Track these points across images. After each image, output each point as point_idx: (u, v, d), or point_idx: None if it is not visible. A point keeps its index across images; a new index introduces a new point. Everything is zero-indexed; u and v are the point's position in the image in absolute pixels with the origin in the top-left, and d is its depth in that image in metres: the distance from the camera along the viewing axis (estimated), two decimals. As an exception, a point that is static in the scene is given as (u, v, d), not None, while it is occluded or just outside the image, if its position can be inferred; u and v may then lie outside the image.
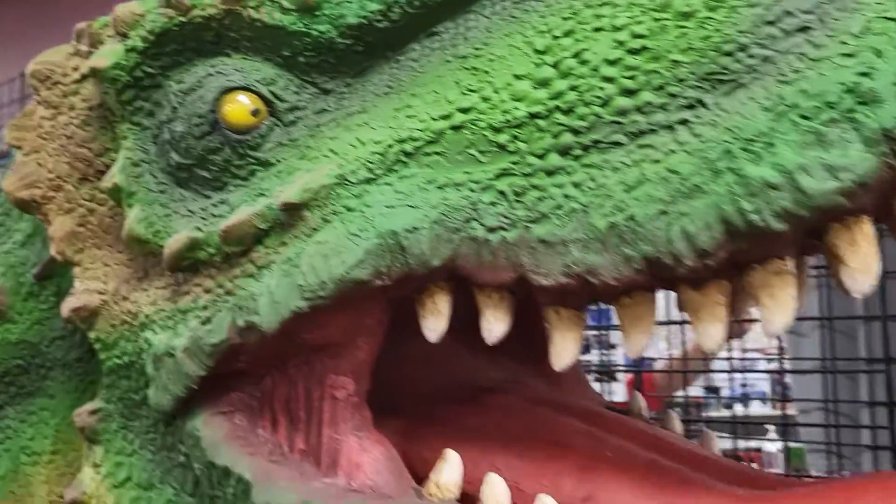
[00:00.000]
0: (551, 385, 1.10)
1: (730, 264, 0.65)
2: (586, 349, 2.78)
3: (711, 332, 0.68)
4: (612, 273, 0.67)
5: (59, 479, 1.07)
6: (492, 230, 0.72)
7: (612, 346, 2.42)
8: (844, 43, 0.62)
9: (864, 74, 0.60)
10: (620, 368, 2.40)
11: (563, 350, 0.74)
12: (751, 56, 0.65)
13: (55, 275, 1.07)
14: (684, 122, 0.67)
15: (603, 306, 0.85)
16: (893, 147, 0.59)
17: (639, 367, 2.28)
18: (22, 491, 1.11)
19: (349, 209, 0.78)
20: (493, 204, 0.73)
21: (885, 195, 0.61)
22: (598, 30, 0.73)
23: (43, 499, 1.09)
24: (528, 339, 1.09)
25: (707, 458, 0.87)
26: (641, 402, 1.07)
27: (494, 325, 0.76)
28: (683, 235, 0.64)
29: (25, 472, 1.10)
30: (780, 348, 2.17)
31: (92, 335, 0.96)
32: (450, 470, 0.79)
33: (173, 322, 0.87)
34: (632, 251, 0.66)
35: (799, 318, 2.26)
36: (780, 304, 0.65)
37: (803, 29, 0.64)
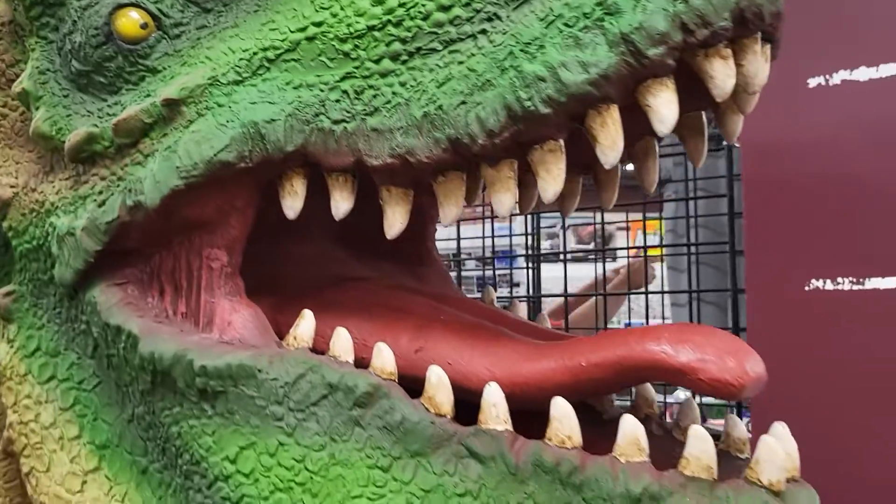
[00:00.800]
0: (419, 281, 1.26)
1: (515, 145, 0.82)
2: (494, 286, 3.00)
3: (503, 199, 0.85)
4: (425, 153, 0.84)
5: None
6: (336, 122, 0.88)
7: (517, 285, 2.63)
8: None
9: None
10: (522, 297, 2.61)
11: (394, 221, 0.91)
12: None
13: None
14: (484, 31, 0.83)
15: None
16: (630, 48, 0.76)
17: (538, 294, 2.49)
18: None
19: (219, 105, 0.93)
20: (337, 101, 0.89)
21: (626, 86, 0.78)
22: None
23: None
24: (408, 245, 1.27)
25: (526, 323, 1.05)
26: (492, 294, 1.24)
27: (340, 203, 0.92)
28: (477, 120, 0.81)
29: None
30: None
31: (5, 224, 1.10)
32: (304, 325, 0.96)
33: (74, 207, 1.02)
34: (440, 134, 0.83)
35: (676, 254, 2.48)
36: (552, 176, 0.82)
37: None
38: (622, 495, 0.79)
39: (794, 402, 1.60)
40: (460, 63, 0.83)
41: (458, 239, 2.62)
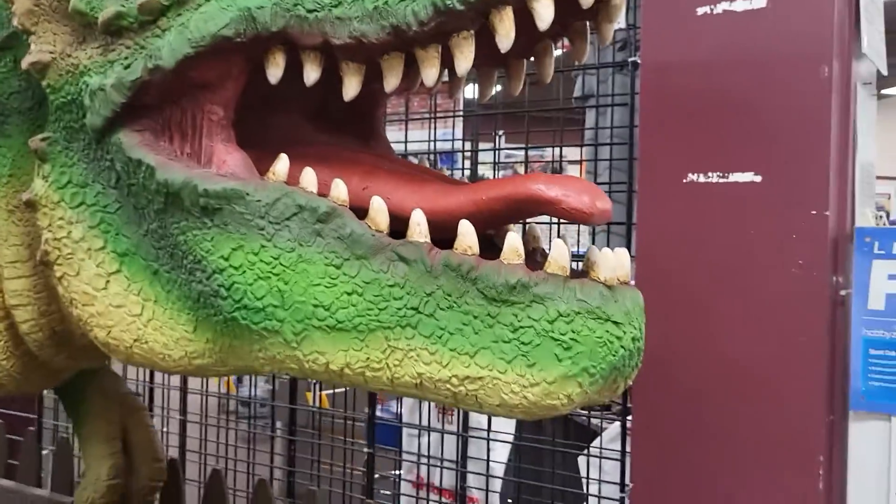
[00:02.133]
0: (369, 149, 1.59)
1: (440, 33, 1.14)
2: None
3: (430, 73, 1.18)
4: (374, 35, 1.16)
5: (14, 194, 1.52)
6: (309, 11, 1.19)
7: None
8: None
9: None
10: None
11: (349, 87, 1.23)
12: None
13: (11, 47, 1.49)
14: None
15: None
16: None
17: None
18: None
19: None
20: None
21: (519, -5, 1.11)
22: None
23: (2, 209, 1.53)
24: (361, 126, 1.59)
25: (447, 177, 1.39)
26: (426, 162, 1.58)
27: (311, 72, 1.24)
28: (412, 12, 1.12)
29: None
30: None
31: (44, 83, 1.39)
32: (281, 164, 1.28)
33: (104, 69, 1.32)
34: (385, 22, 1.14)
35: (592, 160, 2.82)
36: (464, 56, 1.15)
37: None
38: (503, 284, 1.13)
39: (672, 273, 1.98)
40: None
41: (406, 142, 2.95)
